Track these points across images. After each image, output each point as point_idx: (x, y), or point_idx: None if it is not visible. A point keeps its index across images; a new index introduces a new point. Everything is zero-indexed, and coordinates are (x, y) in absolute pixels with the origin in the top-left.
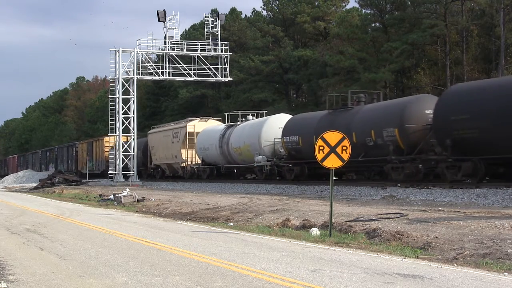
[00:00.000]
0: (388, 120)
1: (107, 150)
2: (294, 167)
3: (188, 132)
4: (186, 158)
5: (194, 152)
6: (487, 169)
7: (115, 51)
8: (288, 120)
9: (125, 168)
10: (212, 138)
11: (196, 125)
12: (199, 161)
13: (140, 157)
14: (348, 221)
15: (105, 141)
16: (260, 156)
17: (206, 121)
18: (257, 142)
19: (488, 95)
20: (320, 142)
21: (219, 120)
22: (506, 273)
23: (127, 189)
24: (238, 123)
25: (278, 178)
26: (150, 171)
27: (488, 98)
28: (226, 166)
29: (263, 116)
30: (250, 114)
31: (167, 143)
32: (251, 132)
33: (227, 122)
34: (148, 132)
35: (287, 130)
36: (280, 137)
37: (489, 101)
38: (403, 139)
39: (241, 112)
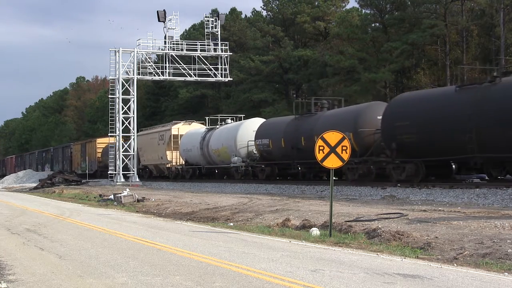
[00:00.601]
0: (345, 125)
1: (100, 151)
2: (265, 168)
3: (173, 135)
4: (171, 159)
5: (178, 153)
6: (428, 169)
7: (115, 51)
8: (261, 124)
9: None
10: (194, 140)
11: (180, 128)
12: (183, 162)
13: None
14: (348, 221)
15: (98, 143)
16: (236, 158)
17: (189, 124)
18: (233, 144)
19: (422, 105)
20: (320, 142)
21: (202, 123)
22: (506, 273)
23: (127, 189)
24: (218, 126)
25: (252, 178)
26: (138, 171)
27: (421, 107)
28: (206, 166)
29: (242, 120)
30: (229, 118)
31: (154, 145)
32: (228, 135)
33: (208, 126)
34: (137, 134)
35: (259, 133)
36: (254, 140)
37: (421, 111)
38: (357, 143)
39: (220, 116)
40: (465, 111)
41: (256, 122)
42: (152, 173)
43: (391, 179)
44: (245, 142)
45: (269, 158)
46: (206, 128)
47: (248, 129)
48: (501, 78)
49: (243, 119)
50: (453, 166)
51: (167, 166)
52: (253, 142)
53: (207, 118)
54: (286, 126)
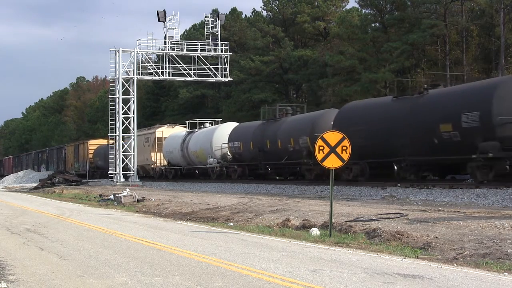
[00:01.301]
0: (303, 130)
1: (91, 152)
2: (237, 168)
3: (157, 137)
4: (155, 160)
5: (162, 155)
6: (373, 170)
7: (115, 51)
8: (233, 128)
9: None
10: (176, 142)
11: (164, 131)
12: (166, 163)
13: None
14: (348, 221)
15: (89, 144)
16: (212, 159)
17: (173, 127)
18: (209, 146)
19: (366, 112)
20: (320, 142)
21: (185, 127)
22: (506, 273)
23: (127, 189)
24: (197, 130)
25: (226, 178)
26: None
27: (365, 115)
28: (186, 167)
29: (219, 124)
30: (208, 122)
31: (140, 147)
32: (205, 138)
33: (188, 129)
34: (125, 136)
35: (232, 137)
36: (227, 142)
37: (365, 118)
38: (313, 146)
39: (199, 120)
40: (400, 119)
41: (230, 126)
42: (139, 173)
43: (341, 179)
44: (219, 144)
45: (240, 159)
46: (186, 131)
47: (222, 133)
48: (428, 90)
49: (220, 123)
50: (395, 167)
51: (152, 166)
52: (227, 145)
53: (187, 122)
54: (254, 130)
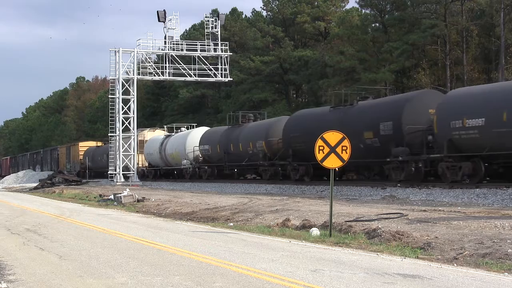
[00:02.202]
0: (260, 135)
1: (82, 154)
2: (207, 169)
3: (139, 140)
4: (138, 162)
5: (143, 156)
6: (316, 171)
7: (115, 51)
8: (203, 133)
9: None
10: (155, 145)
11: (146, 134)
12: (147, 164)
13: (105, 160)
14: (348, 221)
15: (80, 146)
16: (185, 161)
17: (154, 131)
18: (183, 149)
19: (308, 120)
20: (320, 142)
21: (164, 130)
22: (506, 273)
23: (127, 189)
24: (174, 134)
25: (198, 177)
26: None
27: (307, 122)
28: (164, 168)
29: (193, 128)
30: (184, 126)
31: (124, 149)
32: (180, 142)
33: (167, 132)
34: (111, 139)
35: (202, 140)
36: (198, 145)
37: (307, 125)
38: (268, 149)
39: (176, 125)
40: (333, 127)
41: (201, 131)
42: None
43: (290, 178)
44: (192, 147)
45: (209, 161)
46: (164, 135)
47: (195, 137)
48: (358, 102)
49: (195, 128)
50: (337, 169)
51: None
52: (198, 148)
53: (165, 126)
54: (221, 135)
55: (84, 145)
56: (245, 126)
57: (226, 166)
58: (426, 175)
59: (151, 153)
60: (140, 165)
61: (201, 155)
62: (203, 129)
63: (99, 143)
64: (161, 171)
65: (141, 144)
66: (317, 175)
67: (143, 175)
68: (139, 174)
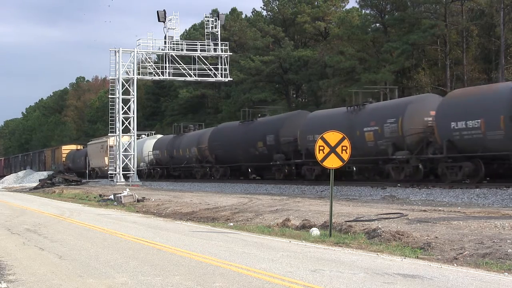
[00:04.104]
0: (193, 142)
1: (64, 156)
2: (159, 170)
3: (109, 145)
4: (107, 164)
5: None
6: (233, 171)
7: (115, 51)
8: (156, 140)
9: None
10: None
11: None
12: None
13: (83, 161)
14: (348, 221)
15: (63, 149)
16: (142, 163)
17: (122, 137)
18: (141, 153)
19: (225, 132)
20: (320, 142)
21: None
22: (506, 273)
23: (127, 189)
24: (136, 139)
25: (152, 177)
26: (89, 173)
27: (224, 133)
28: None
29: (150, 136)
30: (144, 134)
31: (97, 152)
32: (139, 147)
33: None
34: (87, 143)
35: (155, 146)
36: (152, 150)
37: (224, 136)
38: (199, 154)
39: (137, 132)
40: (239, 137)
41: (156, 138)
42: (98, 174)
43: (214, 178)
44: (147, 152)
45: (160, 163)
46: (128, 141)
47: (151, 143)
48: (257, 118)
49: (155, 135)
50: (249, 170)
51: (105, 168)
52: (152, 152)
53: (116, 136)
54: (168, 142)
55: (67, 148)
56: (185, 135)
57: (171, 168)
58: (297, 175)
59: None
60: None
61: (154, 159)
62: (158, 137)
63: (79, 147)
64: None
65: (110, 148)
66: (233, 175)
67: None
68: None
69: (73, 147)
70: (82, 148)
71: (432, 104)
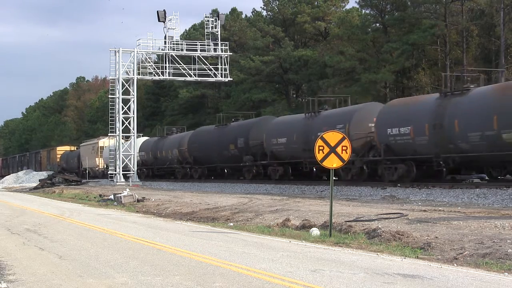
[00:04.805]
0: (175, 144)
1: (59, 156)
2: (145, 171)
3: (100, 146)
4: (98, 164)
5: (102, 160)
6: (209, 172)
7: (115, 51)
8: (142, 142)
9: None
10: (108, 151)
11: (105, 142)
12: (105, 166)
13: (76, 162)
14: (348, 221)
15: (58, 150)
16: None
17: (112, 138)
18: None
19: (202, 135)
20: (320, 142)
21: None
22: (506, 273)
23: (127, 189)
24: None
25: (139, 177)
26: (82, 172)
27: (202, 136)
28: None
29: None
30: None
31: (89, 153)
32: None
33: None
34: (80, 145)
35: (141, 148)
36: (138, 152)
37: (201, 139)
38: (180, 155)
39: (125, 134)
40: (214, 140)
41: (142, 140)
42: (90, 174)
43: (193, 177)
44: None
45: (146, 164)
46: (113, 144)
47: (137, 145)
48: (231, 123)
49: (142, 137)
50: (225, 170)
51: (97, 169)
52: (138, 154)
53: (116, 136)
54: (152, 144)
55: (61, 149)
56: (168, 138)
57: (155, 168)
58: (264, 175)
59: (107, 157)
60: (100, 167)
61: (140, 160)
62: (144, 139)
63: (73, 148)
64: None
65: (100, 149)
66: (210, 175)
67: (103, 175)
68: (100, 174)
69: (67, 148)
70: (75, 149)
71: (376, 112)
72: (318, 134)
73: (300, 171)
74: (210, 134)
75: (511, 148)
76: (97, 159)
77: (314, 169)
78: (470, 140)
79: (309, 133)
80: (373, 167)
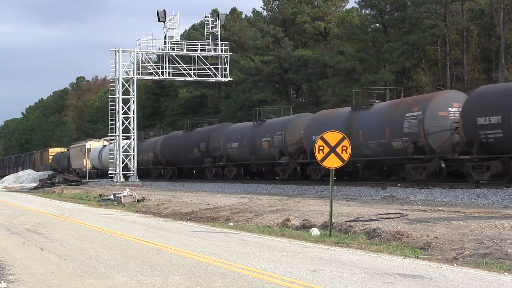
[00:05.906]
0: (151, 147)
1: (51, 158)
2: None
3: (87, 148)
4: (86, 165)
5: (89, 161)
6: (180, 172)
7: (115, 51)
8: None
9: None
10: (96, 153)
11: (92, 144)
12: (91, 167)
13: (66, 163)
14: (348, 221)
15: (50, 152)
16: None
17: (98, 141)
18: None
19: (173, 139)
20: (320, 142)
21: (107, 140)
22: (506, 273)
23: (127, 189)
24: (107, 144)
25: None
26: (71, 173)
27: (172, 140)
28: (100, 170)
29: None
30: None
31: (78, 155)
32: (111, 150)
33: (105, 142)
34: (70, 147)
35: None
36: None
37: (172, 142)
38: (154, 157)
39: (110, 136)
40: (182, 144)
41: (125, 142)
42: (79, 174)
43: (165, 177)
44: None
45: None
46: (102, 145)
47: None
48: (197, 128)
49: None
50: (194, 171)
51: (84, 169)
52: None
53: (108, 136)
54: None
55: (53, 151)
56: (145, 141)
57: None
58: (222, 175)
59: (93, 158)
60: (88, 167)
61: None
62: (126, 141)
63: (64, 150)
64: (99, 172)
65: (88, 151)
66: (180, 175)
67: (90, 175)
68: (87, 175)
69: (58, 150)
70: (67, 150)
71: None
72: (263, 140)
73: (250, 171)
74: (179, 138)
75: (398, 153)
76: (84, 160)
77: (263, 169)
78: (371, 146)
79: (255, 139)
80: (303, 168)
